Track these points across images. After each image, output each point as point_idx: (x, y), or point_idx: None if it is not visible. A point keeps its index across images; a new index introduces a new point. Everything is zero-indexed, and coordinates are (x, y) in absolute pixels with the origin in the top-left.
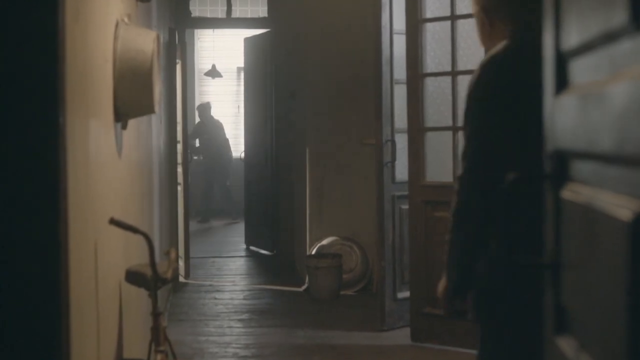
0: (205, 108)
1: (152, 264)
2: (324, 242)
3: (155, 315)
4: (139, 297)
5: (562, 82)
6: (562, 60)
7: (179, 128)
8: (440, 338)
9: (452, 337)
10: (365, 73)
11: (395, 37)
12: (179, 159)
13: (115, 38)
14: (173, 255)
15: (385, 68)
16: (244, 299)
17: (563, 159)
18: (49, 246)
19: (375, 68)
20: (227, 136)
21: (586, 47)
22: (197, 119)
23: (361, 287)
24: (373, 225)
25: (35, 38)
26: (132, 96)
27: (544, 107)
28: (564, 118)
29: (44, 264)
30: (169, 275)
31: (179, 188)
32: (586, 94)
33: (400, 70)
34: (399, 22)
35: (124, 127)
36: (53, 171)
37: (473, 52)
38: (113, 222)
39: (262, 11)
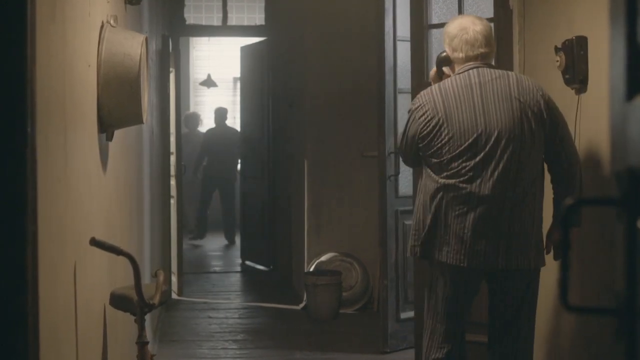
0: (221, 114)
1: (138, 288)
2: (323, 258)
3: (141, 344)
4: (125, 321)
5: (638, 83)
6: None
7: (172, 139)
8: None
9: None
10: (367, 82)
11: (399, 44)
12: (172, 171)
13: (100, 41)
14: (161, 277)
15: (388, 77)
16: (239, 317)
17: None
18: (12, 271)
19: (377, 76)
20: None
21: None
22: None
23: (362, 305)
24: (374, 241)
25: None
26: (119, 104)
27: (609, 115)
28: None
29: (6, 290)
30: (156, 300)
31: (172, 201)
32: None
33: (404, 79)
34: (403, 28)
35: (110, 138)
36: (19, 188)
37: None
38: (94, 242)
39: (259, 19)
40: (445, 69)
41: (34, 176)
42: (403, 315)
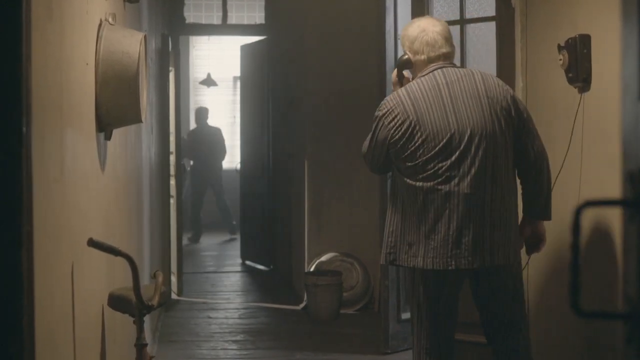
0: (201, 113)
1: (137, 290)
2: (324, 258)
3: (140, 346)
4: (124, 322)
5: None
6: None
7: (172, 138)
8: None
9: None
10: (368, 81)
11: (400, 42)
12: (172, 170)
13: (98, 39)
14: (160, 279)
15: (389, 76)
16: (239, 318)
17: None
18: (6, 272)
19: (378, 75)
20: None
21: None
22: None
23: (362, 306)
24: (375, 241)
25: None
26: (117, 103)
27: (621, 115)
28: None
29: (0, 292)
30: (154, 302)
31: (172, 201)
32: None
33: None
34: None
35: (108, 137)
36: (14, 188)
37: (483, 57)
38: (92, 243)
39: (259, 17)
40: (405, 72)
41: (29, 176)
42: (404, 316)
